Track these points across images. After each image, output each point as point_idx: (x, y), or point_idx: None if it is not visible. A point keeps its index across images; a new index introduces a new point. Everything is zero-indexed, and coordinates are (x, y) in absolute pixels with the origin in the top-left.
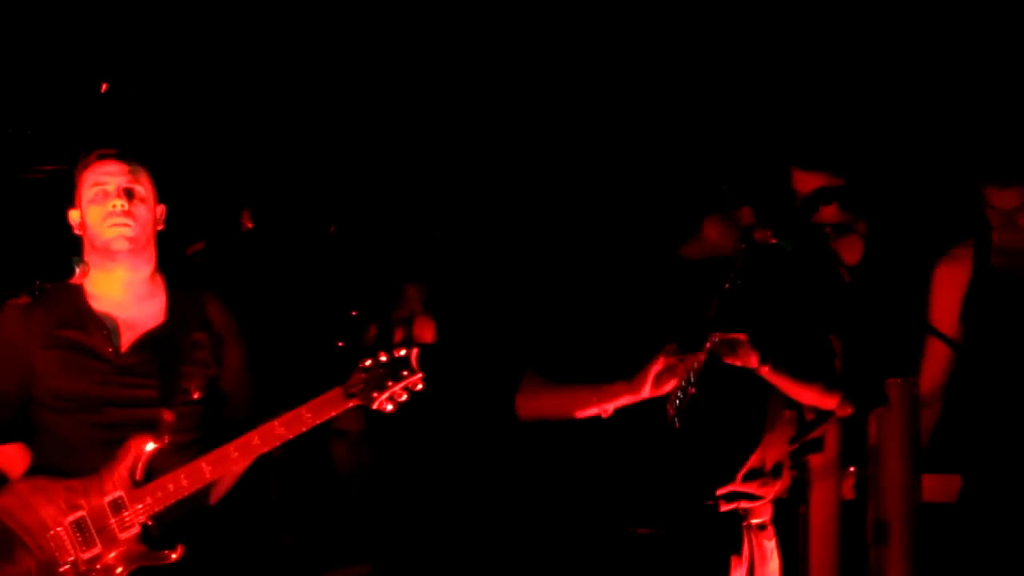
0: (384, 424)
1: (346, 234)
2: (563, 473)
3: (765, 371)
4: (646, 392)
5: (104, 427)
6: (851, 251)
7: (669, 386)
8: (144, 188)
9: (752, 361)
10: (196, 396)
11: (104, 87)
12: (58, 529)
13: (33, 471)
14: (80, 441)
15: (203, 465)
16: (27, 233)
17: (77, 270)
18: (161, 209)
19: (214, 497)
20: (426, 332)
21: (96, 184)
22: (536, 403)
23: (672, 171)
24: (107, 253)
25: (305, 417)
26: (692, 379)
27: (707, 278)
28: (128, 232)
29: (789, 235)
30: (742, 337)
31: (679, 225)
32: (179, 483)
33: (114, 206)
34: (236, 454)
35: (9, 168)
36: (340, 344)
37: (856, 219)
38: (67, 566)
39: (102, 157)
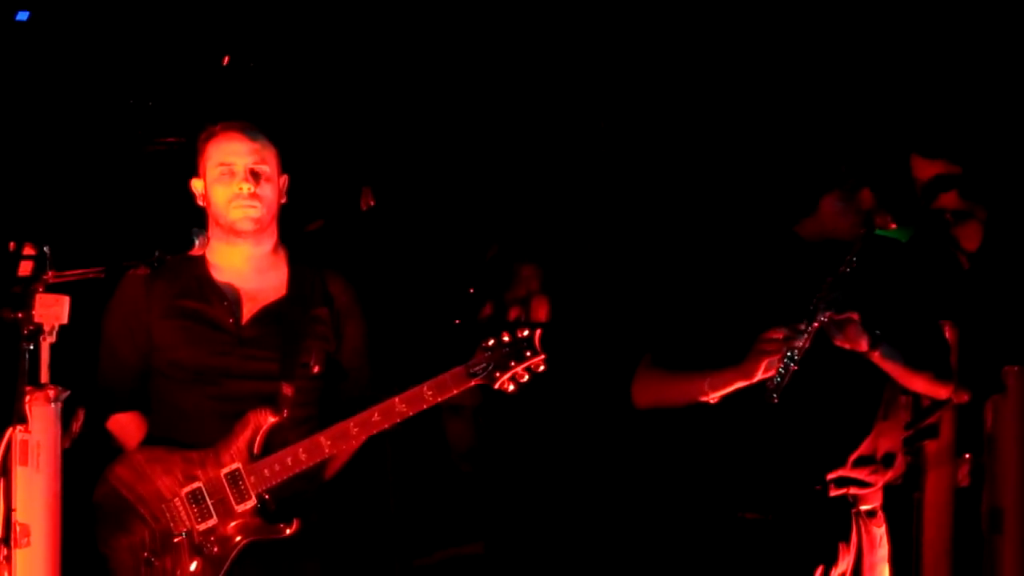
0: (499, 401)
1: (463, 213)
2: (672, 457)
3: (875, 356)
4: (758, 376)
5: (222, 399)
6: (971, 238)
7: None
8: (270, 166)
9: (862, 344)
10: (316, 371)
11: (225, 60)
12: (174, 500)
13: (149, 441)
14: (197, 412)
15: (322, 440)
16: (147, 205)
17: (196, 242)
18: (284, 180)
19: (329, 472)
20: (540, 312)
21: (222, 163)
22: (652, 393)
23: (791, 151)
24: (232, 231)
25: (426, 395)
26: (795, 356)
27: (822, 259)
28: (254, 213)
29: (909, 221)
30: (853, 317)
31: (796, 203)
32: (297, 457)
33: (240, 189)
34: (356, 430)
35: (130, 140)
36: (456, 322)
37: (976, 206)
38: (182, 536)
39: (227, 130)
